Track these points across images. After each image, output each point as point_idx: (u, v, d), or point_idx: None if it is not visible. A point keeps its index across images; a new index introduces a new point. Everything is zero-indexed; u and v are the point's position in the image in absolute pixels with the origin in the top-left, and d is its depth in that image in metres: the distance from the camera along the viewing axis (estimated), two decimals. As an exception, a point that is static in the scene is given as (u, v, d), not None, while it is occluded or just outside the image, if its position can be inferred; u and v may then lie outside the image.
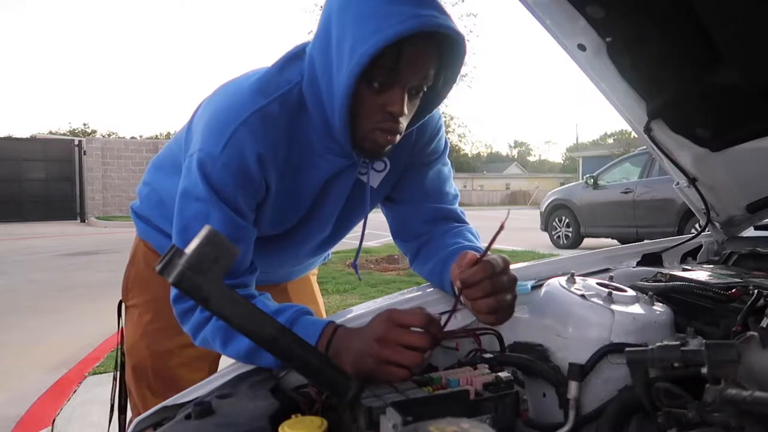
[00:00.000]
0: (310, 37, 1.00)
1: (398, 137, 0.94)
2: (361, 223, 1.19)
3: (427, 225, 1.15)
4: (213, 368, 1.30)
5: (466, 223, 1.18)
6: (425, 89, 0.93)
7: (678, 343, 0.68)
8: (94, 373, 3.36)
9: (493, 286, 0.83)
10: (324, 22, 0.90)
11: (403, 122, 0.92)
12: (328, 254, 1.39)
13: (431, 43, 0.86)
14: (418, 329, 0.77)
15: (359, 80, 0.85)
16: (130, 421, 1.28)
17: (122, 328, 1.31)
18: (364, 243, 1.23)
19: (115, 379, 1.29)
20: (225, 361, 0.93)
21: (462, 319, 0.95)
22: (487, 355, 0.85)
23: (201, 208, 0.90)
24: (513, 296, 0.87)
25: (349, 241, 1.24)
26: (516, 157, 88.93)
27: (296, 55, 0.98)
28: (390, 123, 0.90)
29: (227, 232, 0.89)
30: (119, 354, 1.30)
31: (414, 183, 1.15)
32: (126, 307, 1.31)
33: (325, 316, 1.44)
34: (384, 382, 0.75)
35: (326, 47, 0.88)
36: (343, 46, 0.85)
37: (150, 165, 1.29)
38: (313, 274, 1.52)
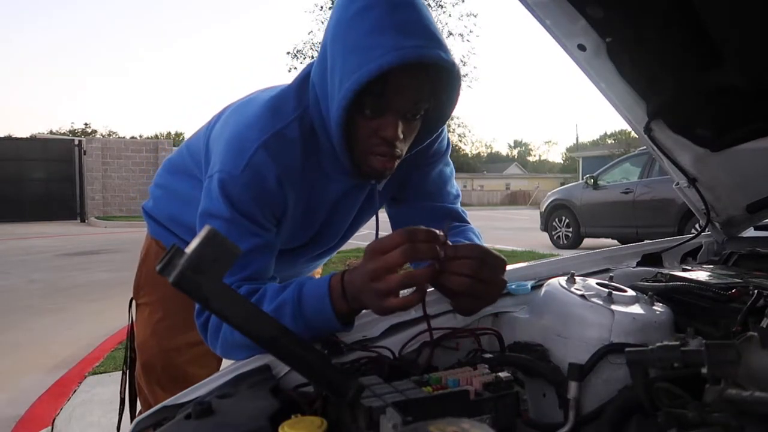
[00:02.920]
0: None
1: (396, 161, 0.95)
2: (365, 224, 1.21)
3: (429, 224, 1.15)
4: (220, 364, 1.31)
5: (468, 222, 1.18)
6: (423, 112, 0.93)
7: (678, 343, 0.68)
8: (94, 373, 3.36)
9: (479, 269, 0.81)
10: (322, 49, 0.92)
11: (401, 146, 0.93)
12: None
13: (420, 70, 0.86)
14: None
15: (351, 109, 0.86)
16: (139, 414, 1.30)
17: (132, 324, 1.32)
18: (364, 244, 1.24)
19: (124, 373, 1.31)
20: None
21: (462, 318, 0.95)
22: (487, 355, 0.85)
23: (223, 226, 0.90)
24: (492, 294, 0.85)
25: (353, 241, 1.26)
26: (516, 157, 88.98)
27: (308, 74, 0.99)
28: (384, 148, 0.91)
29: (251, 246, 0.91)
30: (128, 350, 1.31)
31: (416, 183, 1.16)
32: (137, 305, 1.34)
33: None
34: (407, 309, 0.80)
35: (323, 75, 0.91)
36: (334, 77, 0.87)
37: (162, 167, 1.31)
38: (317, 272, 1.53)
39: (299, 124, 0.95)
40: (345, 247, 1.33)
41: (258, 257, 0.93)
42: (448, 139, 1.20)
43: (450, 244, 0.83)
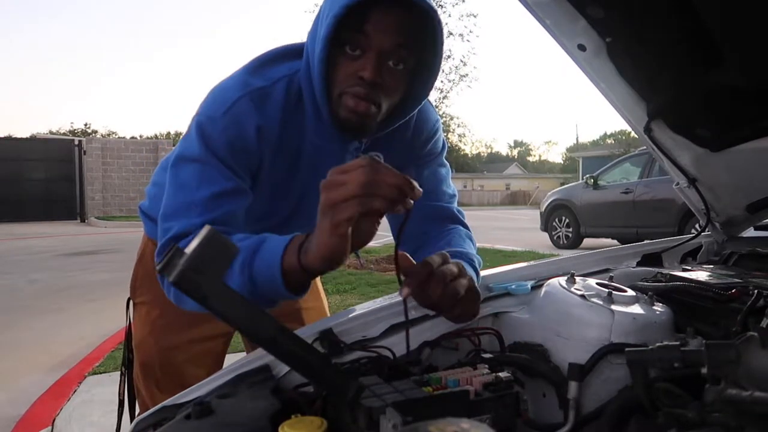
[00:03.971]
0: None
1: (374, 109, 0.92)
2: None
3: (425, 224, 1.15)
4: (218, 363, 1.33)
5: (463, 223, 1.18)
6: (405, 64, 0.92)
7: (678, 343, 0.68)
8: (94, 373, 3.36)
9: (435, 274, 0.80)
10: (317, 14, 0.95)
11: (380, 95, 0.91)
12: None
13: (402, 10, 0.87)
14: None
15: (333, 46, 0.88)
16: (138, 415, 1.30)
17: (130, 324, 1.33)
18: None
19: (122, 374, 1.31)
20: (229, 358, 0.93)
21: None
22: (487, 355, 0.85)
23: (197, 167, 0.91)
24: (464, 284, 0.83)
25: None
26: (516, 157, 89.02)
27: (299, 48, 1.01)
28: (359, 88, 0.90)
29: (223, 187, 0.90)
30: (126, 350, 1.31)
31: None
32: (134, 304, 1.34)
33: (329, 314, 1.46)
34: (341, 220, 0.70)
35: (314, 28, 0.93)
36: (321, 18, 0.90)
37: (159, 166, 1.32)
38: None
39: (284, 87, 0.97)
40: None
41: (229, 201, 0.91)
42: (444, 139, 1.20)
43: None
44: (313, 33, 0.94)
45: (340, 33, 0.87)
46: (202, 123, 0.92)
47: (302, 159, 1.02)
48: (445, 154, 1.20)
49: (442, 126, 1.21)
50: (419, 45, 0.93)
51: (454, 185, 1.23)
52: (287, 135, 0.98)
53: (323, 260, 0.75)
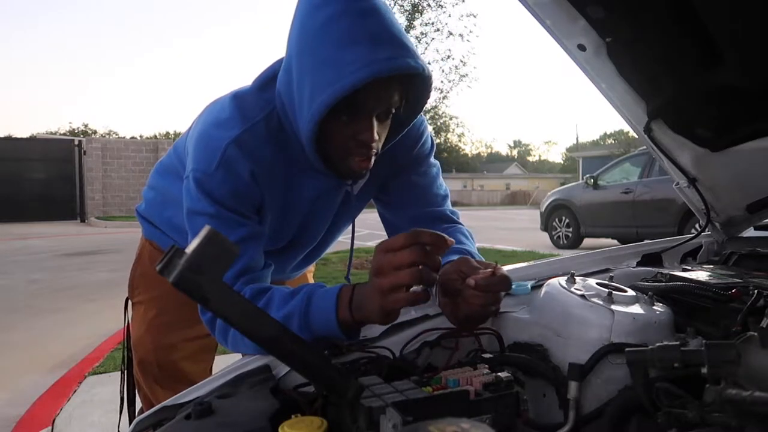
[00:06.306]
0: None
1: (373, 159, 0.95)
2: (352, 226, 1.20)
3: (418, 227, 1.15)
4: (213, 358, 1.33)
5: (458, 223, 1.18)
6: (394, 111, 0.93)
7: (678, 343, 0.68)
8: (94, 373, 3.36)
9: (492, 301, 0.88)
10: (287, 60, 0.91)
11: (377, 145, 0.93)
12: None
13: (392, 77, 0.85)
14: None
15: (324, 118, 0.85)
16: (140, 412, 1.31)
17: (128, 324, 1.34)
18: (364, 243, 1.25)
19: (122, 372, 1.32)
20: (229, 358, 0.94)
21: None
22: (487, 355, 0.84)
23: (209, 221, 0.92)
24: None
25: (349, 241, 1.25)
26: (516, 157, 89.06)
27: (273, 76, 0.99)
28: (362, 149, 0.92)
29: (239, 235, 0.92)
30: (125, 350, 1.33)
31: (402, 187, 1.15)
32: (132, 304, 1.36)
33: None
34: (402, 307, 0.78)
35: (290, 86, 0.90)
36: (303, 91, 0.86)
37: (154, 170, 1.33)
38: (309, 272, 1.53)
39: (266, 124, 0.96)
40: (344, 247, 1.32)
41: (249, 247, 0.94)
42: (432, 139, 1.19)
43: (479, 273, 0.86)
44: (287, 85, 0.91)
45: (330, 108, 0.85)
46: (200, 179, 0.93)
47: (298, 189, 1.02)
48: (433, 153, 1.19)
49: (428, 125, 1.20)
50: (408, 92, 0.94)
51: (445, 184, 1.22)
52: (278, 169, 0.98)
53: (380, 319, 0.82)
